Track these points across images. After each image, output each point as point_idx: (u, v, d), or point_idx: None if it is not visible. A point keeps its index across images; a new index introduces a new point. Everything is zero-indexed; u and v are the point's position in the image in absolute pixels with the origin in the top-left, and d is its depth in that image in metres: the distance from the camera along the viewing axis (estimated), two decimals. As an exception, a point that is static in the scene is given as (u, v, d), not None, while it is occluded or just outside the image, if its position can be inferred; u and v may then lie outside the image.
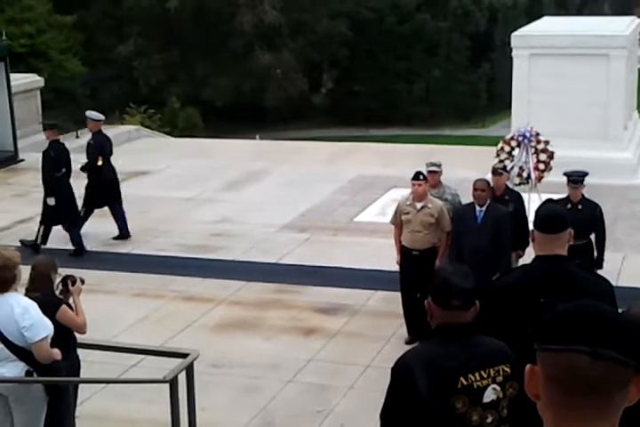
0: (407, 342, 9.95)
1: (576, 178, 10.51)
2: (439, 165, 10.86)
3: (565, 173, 10.75)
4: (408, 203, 10.29)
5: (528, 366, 2.03)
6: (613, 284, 5.19)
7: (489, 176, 10.95)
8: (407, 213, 10.22)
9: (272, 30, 43.62)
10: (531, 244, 5.26)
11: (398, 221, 10.36)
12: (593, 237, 10.62)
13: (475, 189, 9.98)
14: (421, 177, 10.17)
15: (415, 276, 9.99)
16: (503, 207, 10.21)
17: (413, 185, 10.20)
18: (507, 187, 11.03)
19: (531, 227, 5.05)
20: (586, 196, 10.70)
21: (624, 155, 17.84)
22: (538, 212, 5.00)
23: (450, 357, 4.10)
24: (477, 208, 9.98)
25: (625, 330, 1.96)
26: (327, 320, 11.09)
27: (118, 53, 42.98)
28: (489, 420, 4.14)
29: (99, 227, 15.10)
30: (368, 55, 46.23)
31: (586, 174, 10.68)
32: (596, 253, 10.62)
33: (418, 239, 10.19)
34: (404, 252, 10.32)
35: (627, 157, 17.88)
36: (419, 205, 10.18)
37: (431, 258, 10.08)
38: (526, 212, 10.79)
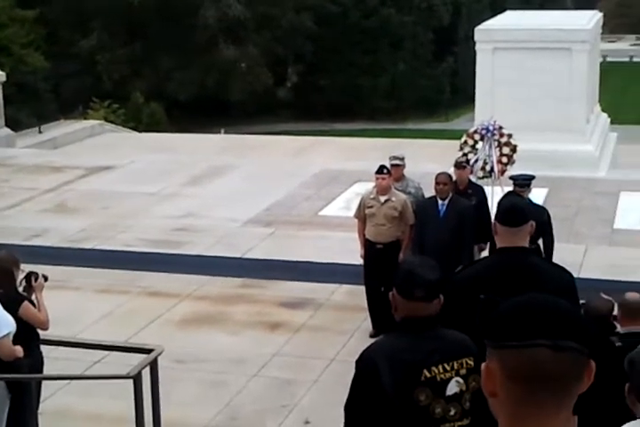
0: (371, 336, 9.97)
1: (522, 182, 10.37)
2: (402, 159, 10.89)
3: (511, 177, 10.70)
4: (372, 196, 10.31)
5: (483, 365, 2.00)
6: (575, 276, 5.23)
7: (452, 170, 10.99)
8: (371, 207, 10.24)
9: (237, 24, 43.48)
10: None
11: (362, 215, 10.37)
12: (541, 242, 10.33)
13: (437, 183, 10.01)
14: (385, 171, 10.20)
15: (379, 269, 10.00)
16: (465, 200, 10.25)
17: (377, 179, 10.22)
18: (469, 180, 11.08)
19: (493, 220, 5.08)
20: (533, 200, 10.61)
21: (586, 148, 17.98)
22: (499, 205, 5.03)
23: (413, 349, 4.11)
24: (440, 201, 10.01)
25: (576, 319, 1.97)
26: (292, 314, 11.09)
27: (81, 48, 42.67)
28: (452, 412, 4.16)
29: (62, 223, 15.03)
30: (333, 49, 46.21)
31: (532, 178, 10.58)
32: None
33: (382, 233, 10.21)
34: (368, 245, 10.34)
35: (589, 149, 18.01)
36: (382, 199, 10.21)
37: (395, 251, 10.10)
38: (489, 205, 10.83)
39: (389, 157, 10.92)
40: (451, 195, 10.04)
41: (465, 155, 12.93)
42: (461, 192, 10.53)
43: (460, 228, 9.80)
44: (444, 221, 9.88)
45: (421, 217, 10.13)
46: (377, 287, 10.05)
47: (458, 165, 10.95)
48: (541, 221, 9.78)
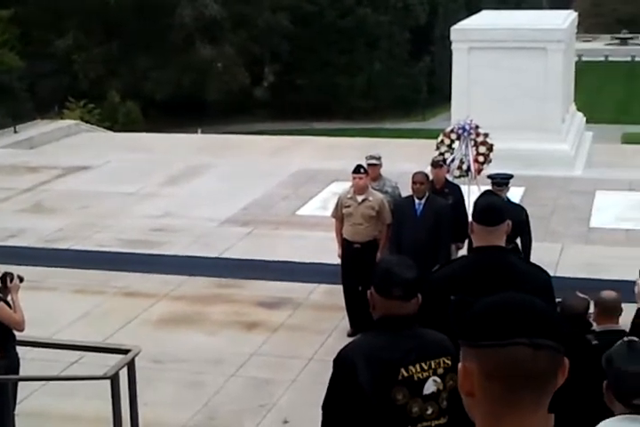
0: (349, 335, 9.97)
1: (500, 180, 10.38)
2: (379, 158, 10.91)
3: (489, 176, 10.73)
4: (349, 196, 10.32)
5: (460, 365, 2.00)
6: (552, 274, 5.26)
7: (429, 169, 11.01)
8: (348, 207, 10.25)
9: (213, 23, 43.39)
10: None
11: (339, 215, 10.39)
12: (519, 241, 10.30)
13: (413, 183, 10.03)
14: (362, 170, 10.21)
15: (356, 268, 10.02)
16: (442, 200, 10.28)
17: (354, 178, 10.22)
18: (446, 180, 11.12)
19: (470, 219, 5.09)
20: (511, 199, 10.65)
21: (562, 147, 18.06)
22: (476, 204, 5.04)
23: (391, 348, 4.12)
24: (416, 201, 10.03)
25: (551, 317, 1.98)
26: (270, 314, 11.09)
27: (57, 47, 42.47)
28: (429, 411, 4.17)
29: (38, 223, 14.96)
30: (310, 49, 46.20)
31: (510, 177, 10.61)
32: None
33: (359, 232, 10.22)
34: (346, 245, 10.35)
35: (564, 148, 18.09)
36: (360, 198, 10.22)
37: (372, 251, 10.11)
38: (466, 204, 10.86)
39: (366, 157, 10.93)
40: (427, 194, 10.06)
41: (442, 154, 12.96)
42: (438, 191, 10.56)
43: (437, 227, 9.83)
44: (420, 220, 9.91)
45: (398, 216, 10.14)
46: (355, 287, 10.07)
47: (434, 165, 10.99)
48: (519, 220, 9.73)
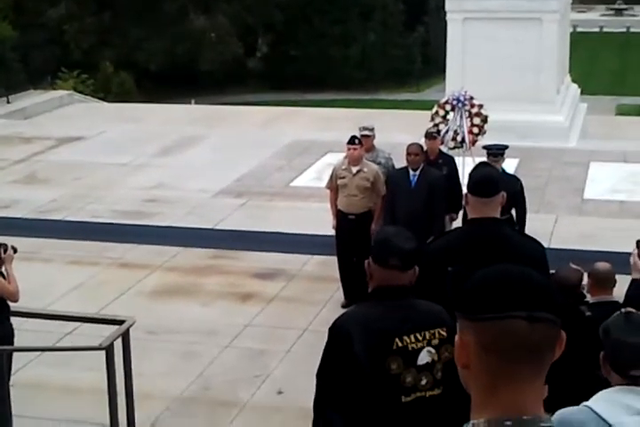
0: (343, 306, 9.99)
1: (495, 151, 10.37)
2: (372, 129, 10.87)
3: (485, 147, 10.72)
4: (344, 167, 10.28)
5: (456, 337, 2.01)
6: (545, 246, 5.27)
7: (423, 140, 10.99)
8: (343, 178, 10.23)
9: (206, -7, 43.13)
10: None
11: (334, 186, 10.36)
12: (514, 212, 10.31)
13: (408, 154, 10.01)
14: (356, 141, 10.16)
15: (351, 240, 10.04)
16: (436, 171, 10.27)
17: (349, 149, 10.18)
18: (440, 151, 11.11)
19: (464, 190, 5.09)
20: (506, 170, 10.65)
21: (556, 118, 18.02)
22: (471, 175, 5.03)
23: (386, 318, 4.13)
24: (411, 172, 10.02)
25: (548, 289, 1.98)
26: (264, 285, 11.11)
27: (49, 17, 42.18)
28: (423, 382, 4.19)
29: (31, 194, 14.94)
30: (303, 19, 45.93)
31: (506, 147, 10.59)
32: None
33: (354, 203, 10.21)
34: (340, 216, 10.34)
35: (559, 120, 18.06)
36: (354, 170, 10.19)
37: (367, 222, 10.10)
38: (459, 175, 10.86)
39: (359, 128, 10.88)
40: (422, 165, 10.05)
41: (436, 125, 12.94)
42: (432, 162, 10.55)
43: (431, 198, 9.82)
44: (415, 191, 9.89)
45: (392, 188, 10.12)
46: (349, 258, 10.08)
47: (428, 136, 10.97)
48: (514, 191, 9.69)
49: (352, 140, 10.18)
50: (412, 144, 10.20)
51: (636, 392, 3.34)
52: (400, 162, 10.63)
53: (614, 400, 3.26)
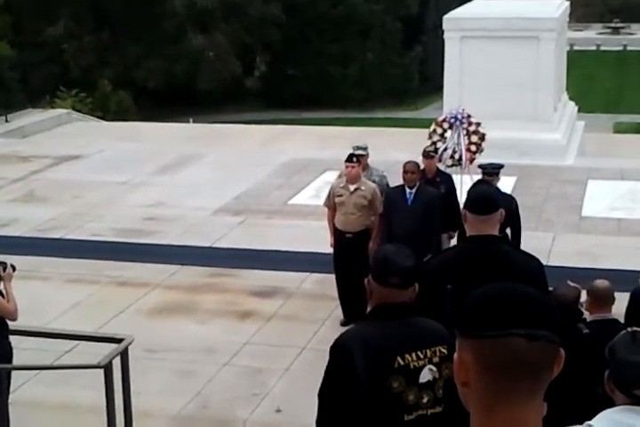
0: (342, 324, 9.99)
1: (490, 170, 10.37)
2: (365, 148, 10.93)
3: (480, 166, 10.74)
4: (341, 185, 10.32)
5: (455, 355, 2.01)
6: (544, 263, 5.28)
7: (421, 159, 11.00)
8: (340, 196, 10.24)
9: (205, 13, 43.26)
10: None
11: (332, 204, 10.38)
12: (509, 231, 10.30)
13: (404, 172, 10.04)
14: (354, 159, 10.19)
15: (349, 258, 10.04)
16: (433, 189, 10.27)
17: (347, 167, 10.20)
18: (437, 169, 11.13)
19: (462, 208, 5.11)
20: (501, 189, 10.63)
21: (554, 136, 18.07)
22: (469, 193, 5.06)
23: (387, 336, 4.13)
24: (407, 190, 10.03)
25: (547, 307, 1.99)
26: (262, 303, 11.10)
27: (48, 36, 42.30)
28: (425, 400, 4.18)
29: (30, 212, 14.95)
30: (302, 38, 46.08)
31: (501, 167, 10.60)
32: None
33: (351, 222, 10.21)
34: (338, 234, 10.35)
35: (556, 138, 18.11)
36: (352, 188, 10.21)
37: (364, 240, 10.11)
38: (457, 193, 10.87)
39: (353, 147, 10.92)
40: (418, 184, 10.06)
41: (434, 143, 12.98)
42: (430, 181, 10.58)
43: (428, 216, 9.81)
44: (411, 209, 9.90)
45: (389, 206, 10.12)
46: (347, 276, 10.08)
47: (426, 155, 10.99)
48: (510, 209, 9.76)
49: (350, 159, 10.20)
50: (408, 162, 10.23)
51: (639, 412, 3.34)
52: (397, 180, 10.63)
53: (617, 420, 3.26)
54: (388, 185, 10.84)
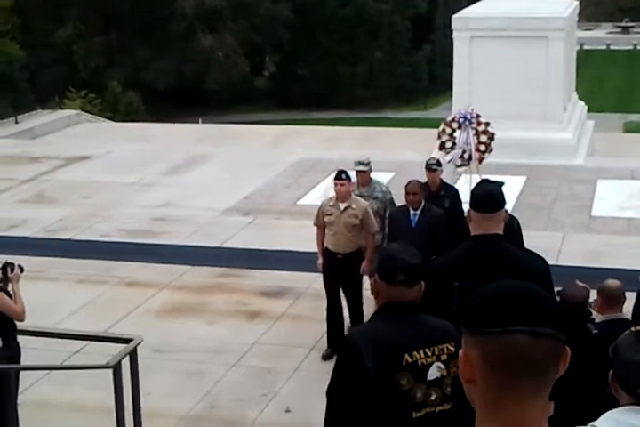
0: (324, 358, 9.46)
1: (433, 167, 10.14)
2: (367, 164, 10.16)
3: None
4: (331, 204, 9.58)
5: (460, 352, 2.02)
6: (553, 263, 5.27)
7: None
8: (330, 215, 9.51)
9: (213, 13, 43.32)
10: None
11: (321, 222, 9.65)
12: None
13: (407, 193, 9.43)
14: (344, 176, 9.42)
15: (339, 280, 9.53)
16: (437, 209, 9.65)
17: (336, 185, 9.47)
18: (442, 182, 10.47)
19: (466, 207, 5.09)
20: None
21: (563, 135, 18.03)
22: (473, 192, 5.04)
23: (395, 334, 4.14)
24: (412, 211, 9.46)
25: (552, 305, 1.99)
26: (271, 303, 11.10)
27: (57, 37, 42.42)
28: (433, 397, 4.19)
29: (40, 213, 14.97)
30: (310, 38, 46.14)
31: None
32: None
33: (342, 242, 9.50)
34: (327, 255, 9.61)
35: (566, 137, 18.07)
36: (342, 206, 9.48)
37: (355, 261, 9.44)
38: (462, 207, 10.21)
39: (354, 162, 10.24)
40: (423, 204, 9.51)
41: (443, 143, 12.97)
42: (434, 194, 10.07)
43: (433, 238, 9.20)
44: (416, 231, 9.32)
45: (393, 227, 9.63)
46: (337, 299, 9.62)
47: (429, 169, 10.25)
48: (511, 231, 8.77)
49: (339, 176, 9.42)
50: (410, 183, 9.56)
51: (643, 412, 3.32)
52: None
53: (621, 421, 3.25)
54: (392, 201, 10.24)
